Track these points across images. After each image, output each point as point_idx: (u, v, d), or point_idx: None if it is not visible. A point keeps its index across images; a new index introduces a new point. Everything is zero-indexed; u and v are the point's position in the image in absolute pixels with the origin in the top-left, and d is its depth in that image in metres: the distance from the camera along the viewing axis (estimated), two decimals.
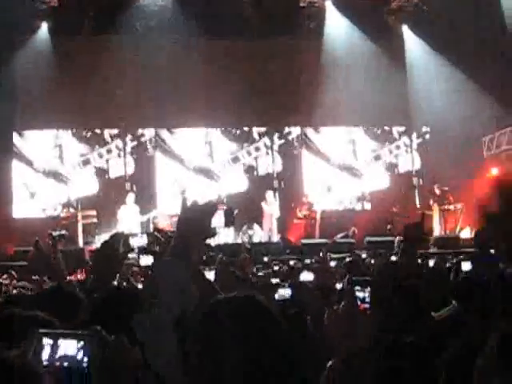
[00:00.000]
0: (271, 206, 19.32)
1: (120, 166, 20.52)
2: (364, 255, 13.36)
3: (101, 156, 20.43)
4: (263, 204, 19.23)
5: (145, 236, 13.96)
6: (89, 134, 20.53)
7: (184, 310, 3.60)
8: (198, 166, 20.84)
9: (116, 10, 18.85)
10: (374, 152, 21.79)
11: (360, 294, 5.95)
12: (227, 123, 20.88)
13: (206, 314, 2.70)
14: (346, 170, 21.53)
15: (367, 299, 5.54)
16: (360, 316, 3.38)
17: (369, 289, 5.71)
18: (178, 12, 19.34)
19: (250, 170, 21.09)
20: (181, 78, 19.23)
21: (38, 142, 20.34)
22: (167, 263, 3.40)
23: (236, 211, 18.57)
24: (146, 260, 7.01)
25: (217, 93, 19.28)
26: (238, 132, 21.16)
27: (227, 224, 4.31)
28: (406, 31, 21.27)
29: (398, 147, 22.03)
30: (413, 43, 21.22)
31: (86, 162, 20.37)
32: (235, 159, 20.99)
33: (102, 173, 20.48)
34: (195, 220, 3.97)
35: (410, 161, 22.06)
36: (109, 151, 20.52)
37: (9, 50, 18.41)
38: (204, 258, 12.81)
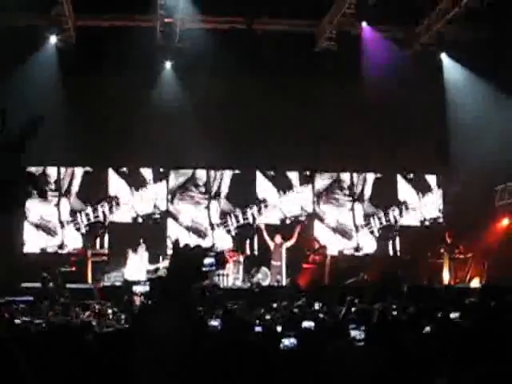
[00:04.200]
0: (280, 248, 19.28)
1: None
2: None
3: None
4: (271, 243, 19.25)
5: (148, 283, 14.06)
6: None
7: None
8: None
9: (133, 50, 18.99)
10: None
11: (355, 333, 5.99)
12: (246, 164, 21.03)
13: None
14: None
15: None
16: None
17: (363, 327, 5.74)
18: (196, 52, 19.50)
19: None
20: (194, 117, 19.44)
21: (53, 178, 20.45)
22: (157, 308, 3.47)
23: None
24: None
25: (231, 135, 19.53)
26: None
27: (218, 266, 4.39)
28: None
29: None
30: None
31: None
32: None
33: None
34: (185, 264, 4.03)
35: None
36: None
37: None
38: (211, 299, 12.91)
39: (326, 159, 20.90)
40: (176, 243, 3.21)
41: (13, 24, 17.84)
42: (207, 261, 3.94)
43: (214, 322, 7.62)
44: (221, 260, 17.00)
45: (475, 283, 18.32)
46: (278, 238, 18.95)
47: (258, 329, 8.29)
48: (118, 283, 17.59)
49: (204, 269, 3.99)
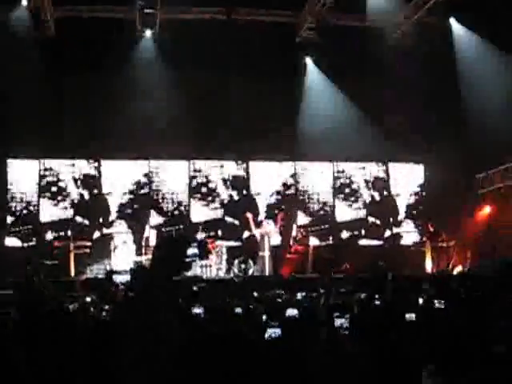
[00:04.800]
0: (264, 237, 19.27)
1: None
2: None
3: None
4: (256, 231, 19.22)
5: (129, 273, 14.02)
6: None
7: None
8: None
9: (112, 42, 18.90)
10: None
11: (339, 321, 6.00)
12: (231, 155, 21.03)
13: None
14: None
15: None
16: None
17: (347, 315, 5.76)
18: (177, 47, 19.41)
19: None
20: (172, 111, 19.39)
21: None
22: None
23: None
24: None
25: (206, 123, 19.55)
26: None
27: (201, 257, 4.39)
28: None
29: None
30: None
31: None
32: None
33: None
34: (168, 255, 4.02)
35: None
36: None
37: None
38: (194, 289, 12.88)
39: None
40: (160, 234, 3.18)
41: None
42: (190, 251, 3.93)
43: (198, 310, 7.61)
44: (204, 250, 16.95)
45: (457, 271, 18.44)
46: (264, 228, 18.99)
47: (238, 310, 8.35)
48: (100, 275, 17.54)
49: (187, 259, 3.99)
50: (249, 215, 19.66)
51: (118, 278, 13.12)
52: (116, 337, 4.59)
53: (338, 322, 5.38)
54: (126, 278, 12.63)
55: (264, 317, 8.72)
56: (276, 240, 19.74)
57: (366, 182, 21.69)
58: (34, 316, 7.12)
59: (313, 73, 21.36)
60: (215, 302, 9.90)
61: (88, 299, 12.84)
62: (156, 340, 3.70)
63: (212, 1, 19.06)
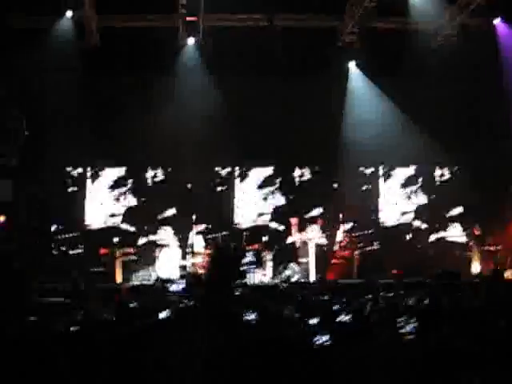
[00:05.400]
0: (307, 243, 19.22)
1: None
2: None
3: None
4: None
5: (183, 281, 14.12)
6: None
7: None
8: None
9: (156, 50, 19.07)
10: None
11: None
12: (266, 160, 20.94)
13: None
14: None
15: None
16: None
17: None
18: (211, 51, 19.52)
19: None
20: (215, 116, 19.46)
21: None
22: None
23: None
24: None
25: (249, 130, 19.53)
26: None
27: (257, 265, 4.41)
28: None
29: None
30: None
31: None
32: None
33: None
34: (224, 263, 4.04)
35: None
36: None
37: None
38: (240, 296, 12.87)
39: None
40: (217, 242, 3.22)
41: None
42: (247, 260, 3.93)
43: (250, 317, 7.58)
44: (260, 259, 17.04)
45: (507, 275, 18.19)
46: (306, 234, 18.94)
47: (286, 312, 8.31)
48: (146, 282, 17.65)
49: (243, 268, 3.99)
50: (293, 220, 19.59)
51: (171, 287, 13.21)
52: (170, 343, 4.62)
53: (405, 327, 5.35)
54: (180, 286, 12.71)
55: (313, 321, 8.67)
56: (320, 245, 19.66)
57: (412, 185, 21.48)
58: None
59: (356, 77, 21.29)
60: (263, 307, 9.88)
61: (132, 306, 12.93)
62: (212, 347, 3.72)
63: (254, 7, 19.07)
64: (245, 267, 4.50)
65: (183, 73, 19.72)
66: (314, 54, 19.43)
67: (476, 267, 18.97)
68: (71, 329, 7.58)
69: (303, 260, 18.90)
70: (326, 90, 20.19)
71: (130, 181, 20.49)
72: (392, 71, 19.63)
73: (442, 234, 21.00)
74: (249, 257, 16.36)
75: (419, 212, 21.30)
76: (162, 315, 7.92)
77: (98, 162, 20.52)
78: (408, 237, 20.87)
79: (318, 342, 6.31)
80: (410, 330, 4.92)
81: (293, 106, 19.91)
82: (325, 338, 6.33)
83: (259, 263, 17.56)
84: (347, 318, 8.04)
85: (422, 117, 19.98)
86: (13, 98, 18.16)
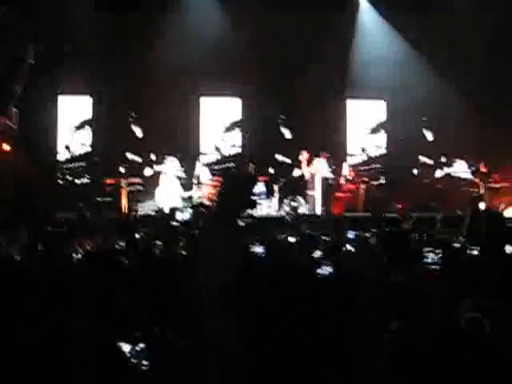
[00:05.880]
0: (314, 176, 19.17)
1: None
2: None
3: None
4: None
5: (189, 210, 14.11)
6: None
7: (230, 277, 3.66)
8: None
9: None
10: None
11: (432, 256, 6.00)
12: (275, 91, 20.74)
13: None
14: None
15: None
16: None
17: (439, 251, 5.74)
18: None
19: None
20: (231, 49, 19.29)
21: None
22: (212, 234, 3.45)
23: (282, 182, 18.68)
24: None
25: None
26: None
27: (268, 195, 4.39)
28: None
29: None
30: None
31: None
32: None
33: None
34: (236, 192, 4.01)
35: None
36: None
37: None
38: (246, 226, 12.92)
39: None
40: (227, 171, 3.18)
41: None
42: (258, 189, 3.90)
43: (258, 249, 7.64)
44: (271, 189, 17.02)
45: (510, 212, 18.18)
46: (314, 166, 18.93)
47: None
48: (152, 212, 17.67)
49: (254, 197, 3.97)
50: (303, 153, 19.36)
51: (179, 216, 13.24)
52: (179, 271, 4.63)
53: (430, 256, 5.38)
54: (186, 215, 12.78)
55: (318, 253, 8.70)
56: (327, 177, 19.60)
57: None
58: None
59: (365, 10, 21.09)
60: (269, 237, 9.92)
61: (138, 236, 12.99)
62: (223, 275, 3.72)
63: None
64: (255, 197, 4.47)
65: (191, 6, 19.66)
66: None
67: (481, 204, 18.93)
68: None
69: (310, 193, 18.88)
70: (335, 22, 20.07)
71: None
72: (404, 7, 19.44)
73: (447, 169, 20.81)
74: (260, 187, 16.36)
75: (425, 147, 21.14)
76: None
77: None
78: (415, 171, 20.64)
79: (322, 273, 6.34)
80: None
81: (303, 42, 19.77)
82: (329, 269, 6.37)
83: (270, 194, 17.55)
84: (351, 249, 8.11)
85: (435, 57, 19.90)
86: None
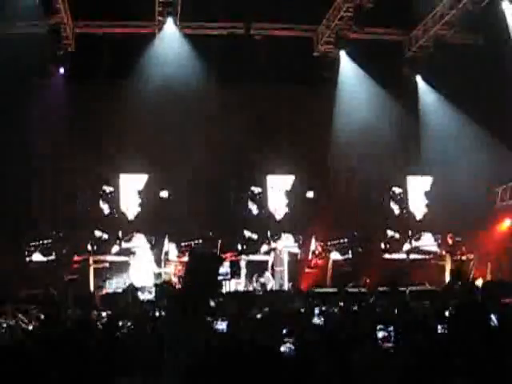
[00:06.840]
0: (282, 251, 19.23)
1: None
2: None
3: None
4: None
5: (153, 289, 13.97)
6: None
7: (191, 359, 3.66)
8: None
9: (133, 56, 19.17)
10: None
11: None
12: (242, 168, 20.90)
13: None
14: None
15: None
16: None
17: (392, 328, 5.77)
18: (194, 60, 19.61)
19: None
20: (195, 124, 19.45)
21: None
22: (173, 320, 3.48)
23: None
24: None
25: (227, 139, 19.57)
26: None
27: (233, 275, 4.42)
28: (420, 81, 21.55)
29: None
30: (425, 92, 21.45)
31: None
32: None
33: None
34: (201, 273, 4.04)
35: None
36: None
37: (24, 92, 18.68)
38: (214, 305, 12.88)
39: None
40: (193, 251, 3.22)
41: None
42: (223, 270, 3.94)
43: (220, 326, 7.64)
44: (237, 269, 16.93)
45: (478, 284, 18.24)
46: (280, 243, 18.96)
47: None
48: (119, 290, 17.52)
49: (220, 277, 3.99)
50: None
51: (141, 295, 13.12)
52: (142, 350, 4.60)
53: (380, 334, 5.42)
54: (150, 295, 12.63)
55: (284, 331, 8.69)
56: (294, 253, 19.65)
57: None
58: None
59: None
60: (236, 312, 9.91)
61: (104, 314, 12.84)
62: (183, 353, 3.73)
63: (231, 16, 19.25)
64: (222, 277, 4.50)
65: (162, 78, 19.78)
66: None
67: (448, 276, 19.02)
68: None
69: (278, 269, 18.89)
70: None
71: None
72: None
73: (415, 243, 20.96)
74: (226, 268, 16.17)
75: (392, 222, 21.32)
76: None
77: None
78: (382, 245, 20.76)
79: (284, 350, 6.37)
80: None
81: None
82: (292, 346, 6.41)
83: (236, 274, 17.38)
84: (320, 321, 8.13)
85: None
86: None
